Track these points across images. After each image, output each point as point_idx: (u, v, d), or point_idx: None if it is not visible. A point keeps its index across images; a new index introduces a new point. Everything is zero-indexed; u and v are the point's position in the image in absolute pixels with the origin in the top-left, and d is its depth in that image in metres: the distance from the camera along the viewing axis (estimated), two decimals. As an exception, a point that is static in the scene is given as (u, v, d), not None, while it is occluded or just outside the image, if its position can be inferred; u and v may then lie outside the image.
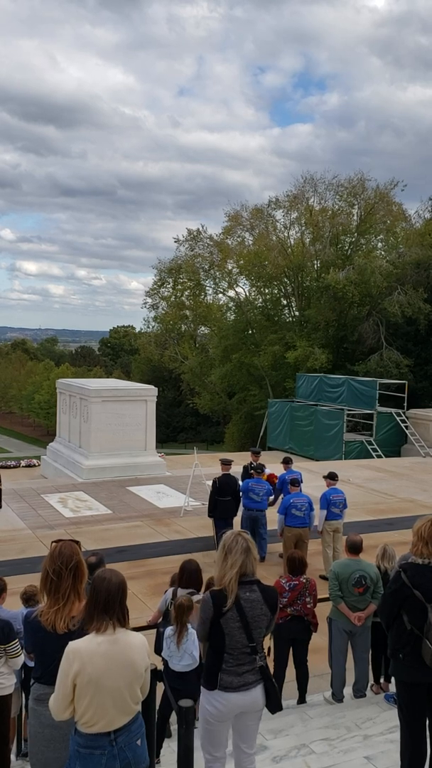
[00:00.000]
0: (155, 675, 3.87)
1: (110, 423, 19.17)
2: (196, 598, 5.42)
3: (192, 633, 5.22)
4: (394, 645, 4.20)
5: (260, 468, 11.63)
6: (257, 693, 3.79)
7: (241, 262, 42.81)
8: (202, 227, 44.97)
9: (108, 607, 3.11)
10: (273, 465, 15.04)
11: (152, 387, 20.98)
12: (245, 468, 12.47)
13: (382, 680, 6.60)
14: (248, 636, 3.72)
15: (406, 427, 26.56)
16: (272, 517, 11.15)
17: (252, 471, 11.84)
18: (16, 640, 4.79)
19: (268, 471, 12.08)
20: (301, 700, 6.53)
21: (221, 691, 3.75)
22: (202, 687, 3.90)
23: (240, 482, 11.59)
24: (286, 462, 12.66)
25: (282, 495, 11.49)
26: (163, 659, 5.35)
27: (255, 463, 11.91)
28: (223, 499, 11.29)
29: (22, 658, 4.85)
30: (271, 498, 11.69)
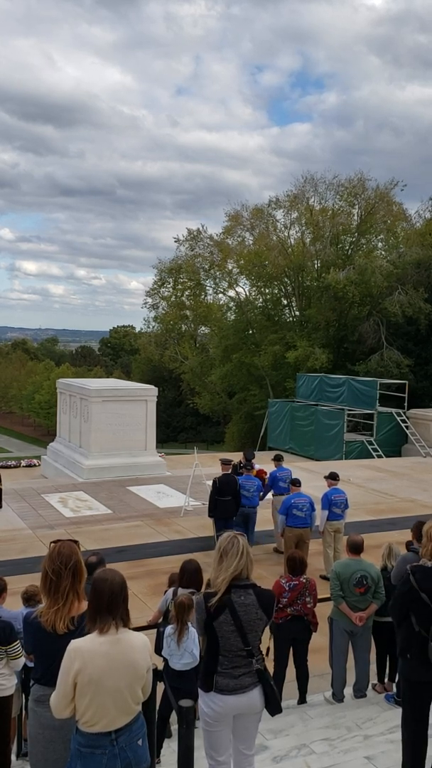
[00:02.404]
0: (156, 675, 3.86)
1: (110, 423, 19.17)
2: (195, 598, 5.43)
3: (192, 631, 5.22)
4: (402, 645, 4.29)
5: (250, 465, 11.79)
6: (255, 695, 3.78)
7: (242, 261, 42.83)
8: (203, 227, 45.04)
9: (111, 607, 3.11)
10: (271, 465, 15.05)
11: (152, 387, 20.97)
12: (234, 467, 12.57)
13: (385, 680, 6.60)
14: (243, 640, 3.70)
15: (407, 427, 26.55)
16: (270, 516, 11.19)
17: (242, 469, 12.01)
18: (18, 641, 4.78)
19: (257, 467, 12.28)
20: (302, 700, 6.52)
21: (217, 693, 3.74)
22: (199, 688, 3.90)
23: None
24: (277, 459, 12.78)
25: (272, 491, 11.89)
26: (163, 658, 5.36)
27: (243, 462, 12.05)
28: (224, 499, 11.31)
29: (23, 660, 4.85)
30: (261, 493, 11.89)
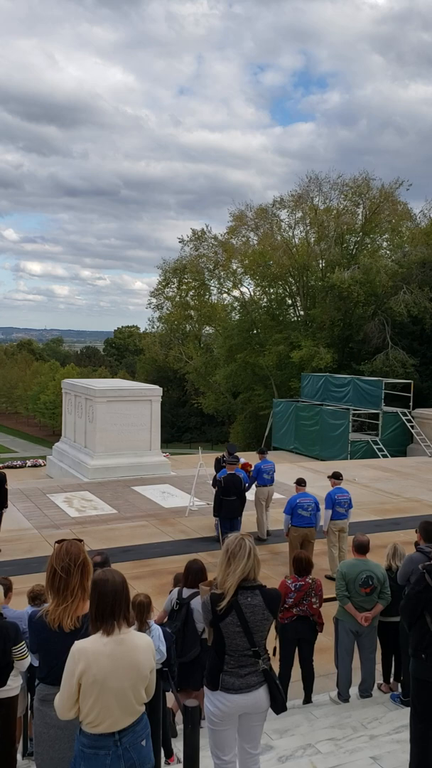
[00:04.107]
0: (160, 675, 3.87)
1: (115, 423, 19.18)
2: (201, 598, 5.42)
3: (156, 629, 5.20)
4: (416, 645, 4.28)
5: (234, 458, 12.32)
6: (260, 694, 3.79)
7: (246, 261, 42.79)
8: (207, 227, 45.04)
9: (114, 607, 3.11)
10: (275, 465, 15.12)
11: (157, 387, 20.97)
12: (217, 460, 13.37)
13: (391, 680, 6.59)
14: (249, 640, 3.71)
15: (412, 426, 26.49)
16: (278, 517, 11.20)
17: (224, 463, 12.50)
18: (23, 642, 4.79)
19: (243, 460, 12.76)
20: (307, 699, 6.52)
21: (223, 692, 3.75)
22: (204, 687, 3.90)
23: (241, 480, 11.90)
24: (261, 452, 13.25)
25: (256, 483, 12.45)
26: None
27: (227, 456, 12.64)
28: (229, 498, 11.35)
29: (28, 660, 4.85)
30: (246, 485, 12.18)
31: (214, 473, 13.01)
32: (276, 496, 15.62)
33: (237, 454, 13.14)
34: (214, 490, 11.75)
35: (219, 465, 13.24)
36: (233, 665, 3.73)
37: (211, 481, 13.15)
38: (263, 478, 12.57)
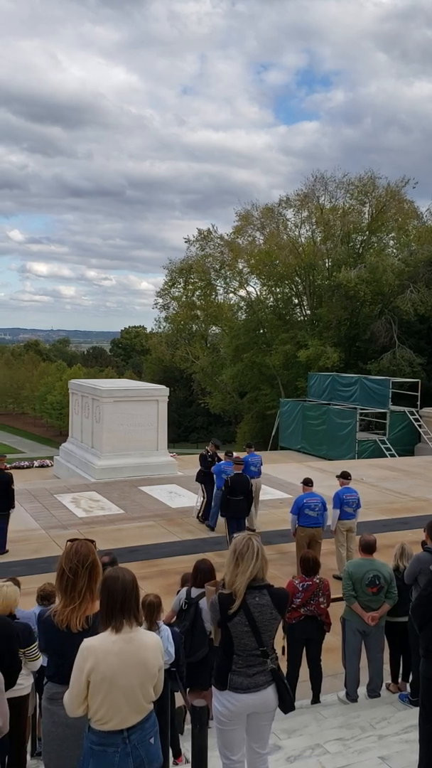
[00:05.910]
0: (169, 675, 3.87)
1: (122, 423, 19.21)
2: (210, 599, 5.41)
3: (165, 630, 5.20)
4: (428, 645, 4.28)
5: (230, 452, 13.34)
6: (268, 694, 3.79)
7: (252, 261, 42.78)
8: (212, 227, 45.03)
9: (123, 606, 3.12)
10: (282, 465, 15.15)
11: (164, 387, 21.00)
12: (202, 456, 13.98)
13: (399, 680, 6.57)
14: (258, 640, 3.71)
15: (420, 425, 26.41)
16: (284, 517, 11.19)
17: (211, 458, 13.47)
18: (35, 643, 4.81)
19: (235, 455, 13.35)
20: (315, 699, 6.51)
21: (232, 691, 3.75)
22: (212, 687, 3.91)
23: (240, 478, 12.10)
24: (249, 446, 14.37)
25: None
26: None
27: (212, 451, 13.71)
28: (236, 498, 11.34)
29: (40, 661, 4.86)
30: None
31: (202, 469, 13.65)
32: (283, 495, 15.67)
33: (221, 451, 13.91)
34: (199, 485, 12.55)
35: (205, 461, 13.67)
36: (241, 665, 3.73)
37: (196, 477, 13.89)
38: (250, 470, 12.82)
